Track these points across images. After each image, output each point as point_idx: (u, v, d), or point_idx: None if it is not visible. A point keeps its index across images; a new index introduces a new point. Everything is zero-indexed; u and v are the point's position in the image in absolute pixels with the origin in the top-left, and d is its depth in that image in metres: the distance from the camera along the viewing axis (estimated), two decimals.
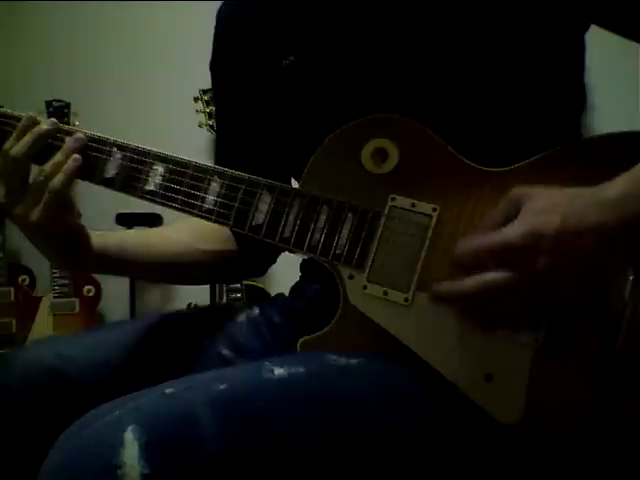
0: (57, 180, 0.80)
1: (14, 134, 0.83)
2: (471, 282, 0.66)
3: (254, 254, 1.02)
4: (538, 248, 0.63)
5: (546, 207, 0.64)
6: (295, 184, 0.87)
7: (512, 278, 0.64)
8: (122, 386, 0.83)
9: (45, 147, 0.83)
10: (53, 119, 0.85)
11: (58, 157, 0.82)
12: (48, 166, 0.81)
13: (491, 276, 0.65)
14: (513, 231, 0.64)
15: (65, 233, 0.84)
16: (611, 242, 0.62)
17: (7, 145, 0.83)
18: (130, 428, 0.59)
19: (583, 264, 0.63)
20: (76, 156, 0.82)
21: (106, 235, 0.91)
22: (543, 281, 0.64)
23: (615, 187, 0.63)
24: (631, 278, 0.68)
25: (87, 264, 0.89)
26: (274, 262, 1.08)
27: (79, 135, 0.84)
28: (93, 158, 0.83)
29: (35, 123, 0.84)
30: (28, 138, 0.82)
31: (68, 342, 0.90)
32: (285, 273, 1.11)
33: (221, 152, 1.05)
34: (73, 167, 0.81)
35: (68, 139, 0.83)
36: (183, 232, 0.99)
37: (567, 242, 0.62)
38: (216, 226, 0.83)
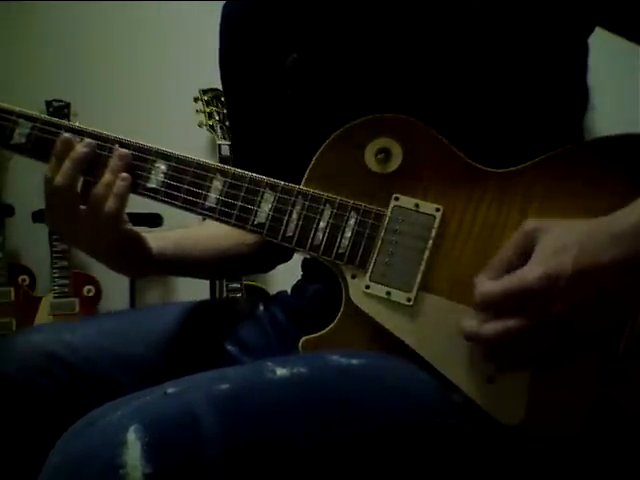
0: (112, 204, 0.79)
1: (52, 160, 0.81)
2: (490, 329, 0.67)
3: (272, 251, 1.03)
4: (554, 292, 0.64)
5: (559, 248, 0.65)
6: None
7: (530, 324, 0.65)
8: (124, 375, 0.83)
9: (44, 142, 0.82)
10: (89, 140, 0.82)
11: (107, 177, 0.80)
12: (99, 188, 0.80)
13: (511, 323, 0.66)
14: (527, 276, 0.65)
15: (123, 244, 0.84)
16: (626, 277, 0.63)
17: (49, 174, 0.80)
18: (132, 428, 0.58)
19: (602, 303, 0.65)
20: (125, 175, 0.80)
21: (162, 237, 0.92)
22: (558, 325, 0.65)
23: (629, 217, 0.63)
24: None
25: (148, 268, 0.90)
26: (290, 259, 1.08)
27: (123, 151, 0.82)
28: (95, 155, 0.82)
29: (70, 146, 0.81)
30: (68, 166, 0.80)
31: (70, 329, 0.89)
32: (285, 273, 1.11)
33: (238, 150, 1.06)
34: (124, 188, 0.80)
35: (113, 158, 0.81)
36: (215, 228, 0.98)
37: (583, 283, 0.63)
38: None
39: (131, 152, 0.82)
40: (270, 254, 1.05)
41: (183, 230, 1.01)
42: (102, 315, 0.98)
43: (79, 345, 0.85)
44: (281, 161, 0.95)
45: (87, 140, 0.81)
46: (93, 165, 0.81)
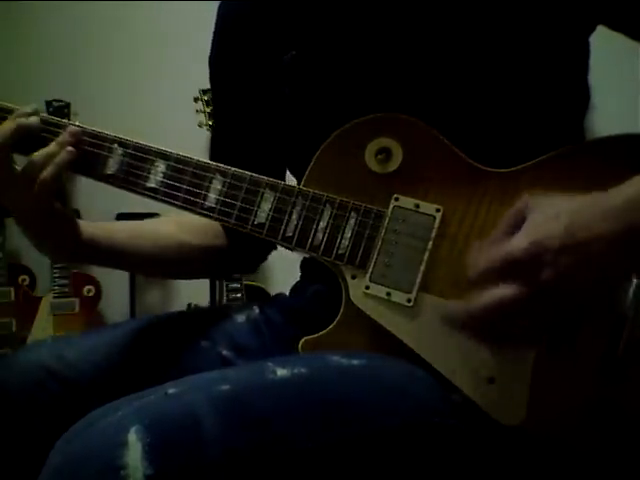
0: (47, 172, 0.79)
1: None
2: (478, 302, 0.65)
3: (244, 251, 1.02)
4: (541, 260, 0.63)
5: (550, 218, 0.64)
6: (290, 180, 0.86)
7: (517, 292, 0.64)
8: (122, 388, 0.83)
9: (37, 140, 0.82)
10: (38, 118, 0.83)
11: (51, 148, 0.81)
12: (39, 156, 0.80)
13: (498, 293, 0.64)
14: (516, 244, 0.64)
15: (52, 220, 0.83)
16: (618, 251, 0.62)
17: None
18: (133, 429, 0.58)
19: (589, 274, 0.63)
20: (70, 148, 0.81)
21: (96, 225, 0.90)
22: (548, 293, 0.64)
23: (621, 194, 0.62)
24: (634, 282, 0.68)
25: (76, 253, 0.88)
26: (265, 260, 1.08)
27: (74, 128, 0.83)
28: (94, 154, 0.83)
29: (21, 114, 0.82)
30: (4, 128, 0.80)
31: (68, 344, 0.89)
32: (285, 273, 1.11)
33: (216, 148, 1.05)
34: (65, 159, 0.80)
35: (63, 134, 0.82)
36: (173, 226, 0.98)
37: (571, 253, 0.62)
38: (207, 221, 0.82)
39: (129, 152, 0.82)
40: (226, 263, 1.04)
41: (126, 223, 0.99)
42: (100, 329, 0.98)
43: (76, 360, 0.86)
44: (277, 160, 0.96)
45: (37, 118, 0.82)
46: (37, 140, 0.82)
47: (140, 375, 0.86)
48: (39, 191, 0.79)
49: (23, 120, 0.81)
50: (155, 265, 0.98)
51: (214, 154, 1.04)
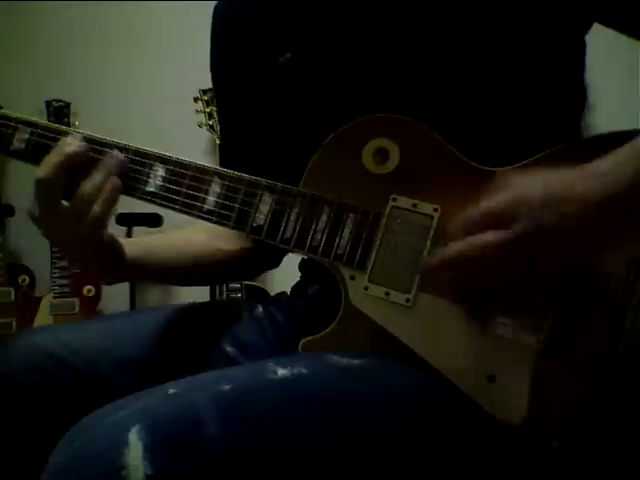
0: (98, 209, 0.77)
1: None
2: (453, 246, 0.65)
3: (270, 248, 1.03)
4: (519, 213, 0.62)
5: (532, 179, 0.64)
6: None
7: (493, 239, 0.63)
8: (124, 377, 0.84)
9: (45, 148, 0.81)
10: (84, 143, 0.80)
11: (98, 178, 0.77)
12: (87, 189, 0.77)
13: (472, 239, 0.64)
14: (496, 198, 0.64)
15: (100, 248, 0.82)
16: (597, 214, 0.61)
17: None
18: (134, 429, 0.59)
19: (565, 232, 0.62)
20: (116, 181, 0.78)
21: (137, 244, 0.91)
22: (526, 244, 0.63)
23: (608, 160, 0.62)
24: (631, 280, 0.68)
25: (121, 275, 0.89)
26: (287, 253, 1.08)
27: (119, 154, 0.80)
28: (91, 159, 0.82)
29: (63, 144, 0.79)
30: (54, 159, 0.77)
31: (71, 330, 0.89)
32: (285, 273, 1.11)
33: (225, 152, 1.05)
34: (114, 194, 0.78)
35: (108, 157, 0.79)
36: (204, 233, 0.99)
37: (549, 208, 0.61)
38: None
39: (129, 156, 0.81)
40: (254, 262, 1.05)
41: (161, 237, 1.00)
42: (102, 317, 0.99)
43: (79, 347, 0.85)
44: (275, 162, 0.96)
45: (82, 142, 0.80)
46: (84, 166, 0.79)
47: (142, 365, 0.87)
48: (91, 226, 0.77)
49: (68, 149, 0.78)
50: (194, 276, 1.01)
51: (224, 160, 1.04)
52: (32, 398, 0.82)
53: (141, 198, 0.82)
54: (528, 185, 0.63)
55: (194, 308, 0.99)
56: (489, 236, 0.63)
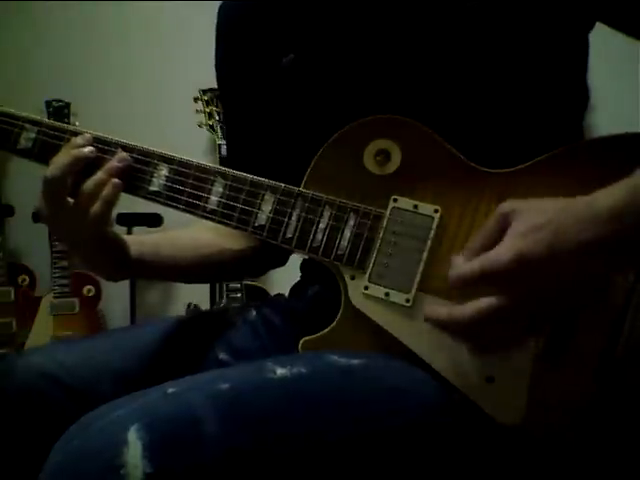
0: (97, 207, 0.79)
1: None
2: (464, 311, 0.65)
3: (275, 245, 1.03)
4: (528, 271, 0.63)
5: (535, 226, 0.64)
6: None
7: (502, 303, 0.64)
8: (120, 391, 0.83)
9: (52, 147, 0.82)
10: (93, 149, 0.82)
11: (99, 176, 0.80)
12: (89, 186, 0.79)
13: (484, 303, 0.64)
14: (500, 256, 0.64)
15: (104, 246, 0.84)
16: (607, 256, 0.62)
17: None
18: (133, 427, 0.59)
19: (576, 281, 0.64)
20: (116, 181, 0.80)
21: (142, 241, 0.91)
22: (532, 303, 0.64)
23: (609, 197, 0.62)
24: (631, 281, 0.68)
25: (127, 272, 0.90)
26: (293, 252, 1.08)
27: (124, 155, 0.82)
28: (99, 159, 0.82)
29: (73, 145, 0.81)
30: (63, 160, 0.79)
31: (66, 349, 0.89)
32: (285, 273, 1.11)
33: (231, 151, 1.06)
34: (112, 194, 0.79)
35: (112, 160, 0.81)
36: (212, 233, 0.99)
37: (557, 263, 0.62)
38: None
39: (133, 156, 0.82)
40: (261, 260, 1.05)
41: (166, 234, 1.01)
42: (97, 334, 0.99)
43: (73, 365, 0.85)
44: (278, 162, 0.96)
45: (91, 147, 0.81)
46: (91, 167, 0.81)
47: (139, 380, 0.86)
48: (92, 223, 0.79)
49: (78, 152, 0.80)
50: (199, 274, 1.02)
51: (229, 158, 1.04)
52: (29, 417, 0.82)
53: (145, 197, 0.82)
54: (531, 238, 0.63)
55: (188, 319, 1.01)
56: (498, 301, 0.64)
